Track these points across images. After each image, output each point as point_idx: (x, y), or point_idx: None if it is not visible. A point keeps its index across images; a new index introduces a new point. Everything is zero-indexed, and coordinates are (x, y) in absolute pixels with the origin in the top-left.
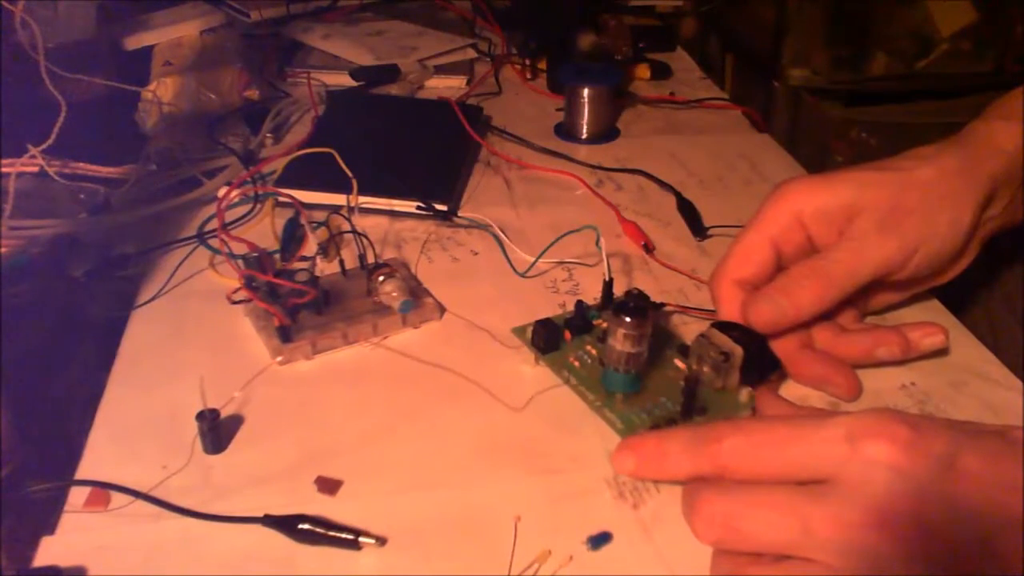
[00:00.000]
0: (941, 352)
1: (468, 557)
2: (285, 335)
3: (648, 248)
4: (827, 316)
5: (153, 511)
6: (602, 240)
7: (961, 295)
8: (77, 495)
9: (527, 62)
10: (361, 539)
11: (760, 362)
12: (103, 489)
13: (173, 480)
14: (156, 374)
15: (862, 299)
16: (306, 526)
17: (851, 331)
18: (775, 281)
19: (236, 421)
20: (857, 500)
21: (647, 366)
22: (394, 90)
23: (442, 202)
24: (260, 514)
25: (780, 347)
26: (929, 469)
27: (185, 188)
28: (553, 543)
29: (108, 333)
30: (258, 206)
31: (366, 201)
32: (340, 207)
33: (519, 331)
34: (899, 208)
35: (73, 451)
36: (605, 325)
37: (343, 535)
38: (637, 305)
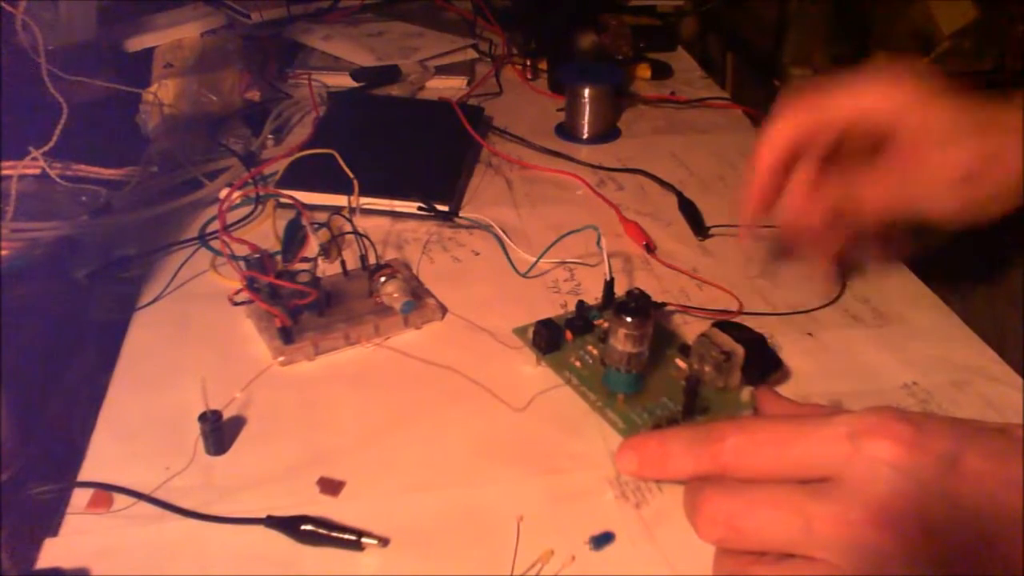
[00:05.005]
0: (941, 349)
1: (471, 557)
2: (287, 336)
3: (649, 248)
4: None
5: (156, 512)
6: (603, 240)
7: (966, 293)
8: (80, 497)
9: (528, 62)
10: (363, 540)
11: (761, 361)
12: (106, 491)
13: (175, 481)
14: (158, 375)
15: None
16: (309, 527)
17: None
18: None
19: (238, 422)
20: (859, 498)
21: (648, 366)
22: (395, 91)
23: (443, 203)
24: (262, 515)
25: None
26: (931, 467)
27: (186, 190)
28: (555, 543)
29: (110, 335)
30: (259, 207)
31: (367, 202)
32: (341, 208)
33: (520, 331)
34: (980, 182)
35: (75, 453)
36: (606, 325)
37: (345, 536)
38: (638, 305)
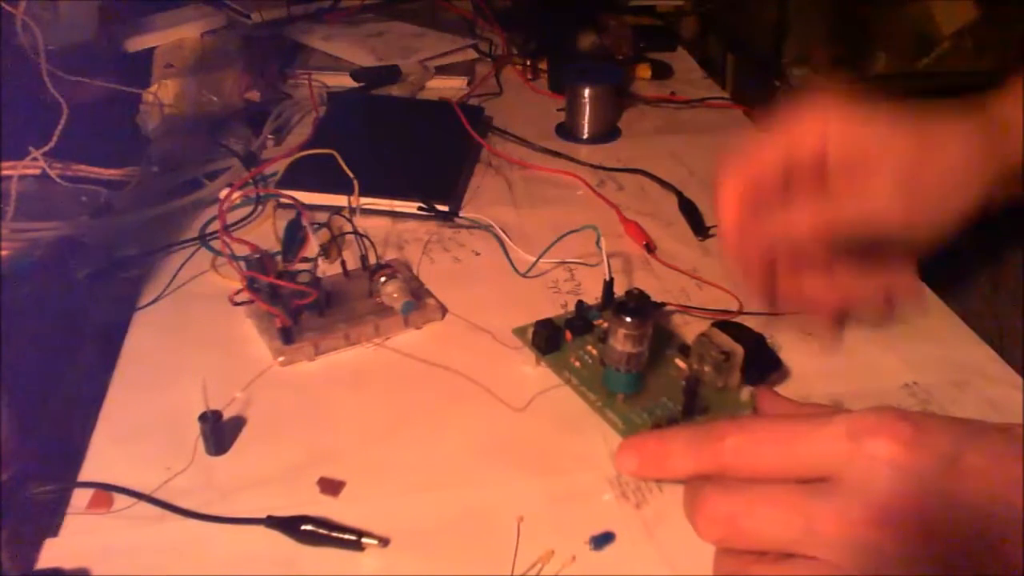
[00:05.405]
0: (941, 349)
1: (471, 558)
2: (287, 336)
3: (650, 248)
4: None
5: (156, 513)
6: (602, 240)
7: (966, 293)
8: (80, 497)
9: (528, 62)
10: (364, 540)
11: (761, 361)
12: (106, 491)
13: (176, 481)
14: (158, 376)
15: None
16: (309, 527)
17: (838, 277)
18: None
19: (238, 422)
20: (860, 497)
21: (648, 366)
22: (395, 91)
23: (444, 203)
24: (263, 515)
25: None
26: (931, 466)
27: (187, 190)
28: (556, 543)
29: (110, 335)
30: (260, 207)
31: (368, 202)
32: (342, 208)
33: (520, 331)
34: (920, 179)
35: (76, 453)
36: (606, 325)
37: (346, 536)
38: (638, 305)
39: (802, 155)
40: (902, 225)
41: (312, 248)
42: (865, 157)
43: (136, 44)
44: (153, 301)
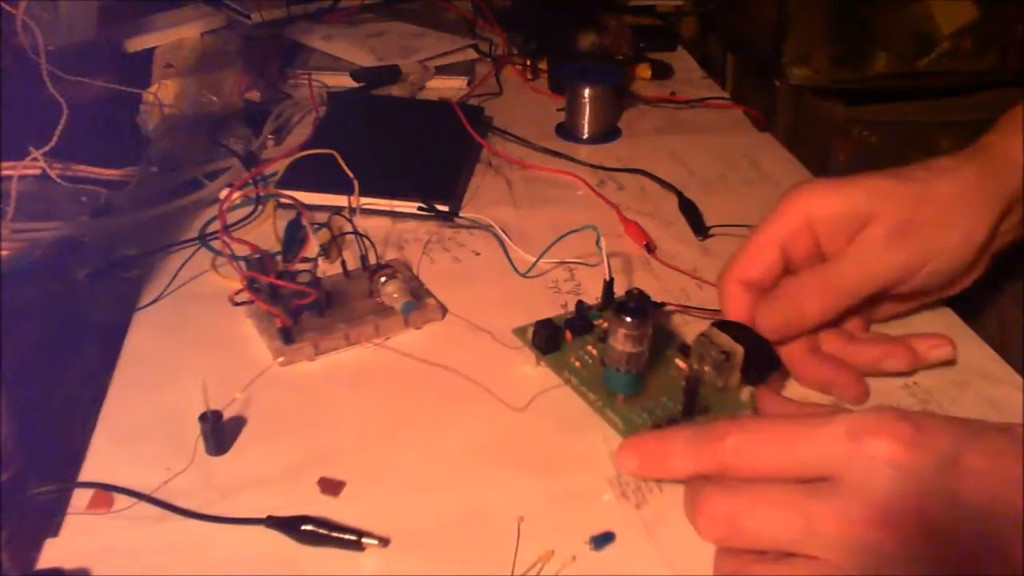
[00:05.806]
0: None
1: (471, 558)
2: (287, 336)
3: (650, 248)
4: (835, 323)
5: (156, 513)
6: (602, 240)
7: (968, 291)
8: (80, 497)
9: (528, 62)
10: (364, 540)
11: (761, 361)
12: (106, 491)
13: (176, 482)
14: (158, 376)
15: (869, 307)
16: (309, 527)
17: (859, 339)
18: (782, 287)
19: (238, 422)
20: (860, 497)
21: (648, 366)
22: (395, 91)
23: (444, 203)
24: (263, 515)
25: (787, 351)
26: (932, 466)
27: (187, 190)
28: (556, 543)
29: (110, 335)
30: (260, 208)
31: (368, 202)
32: (342, 208)
33: (520, 331)
34: (912, 220)
35: (76, 453)
36: (606, 325)
37: (346, 536)
38: (637, 305)
39: (793, 237)
40: (905, 272)
41: (312, 248)
42: (854, 214)
43: (136, 44)
44: (153, 301)
